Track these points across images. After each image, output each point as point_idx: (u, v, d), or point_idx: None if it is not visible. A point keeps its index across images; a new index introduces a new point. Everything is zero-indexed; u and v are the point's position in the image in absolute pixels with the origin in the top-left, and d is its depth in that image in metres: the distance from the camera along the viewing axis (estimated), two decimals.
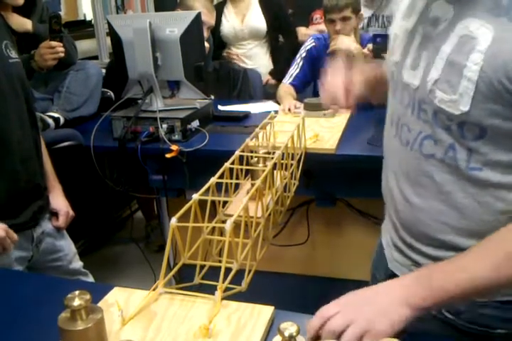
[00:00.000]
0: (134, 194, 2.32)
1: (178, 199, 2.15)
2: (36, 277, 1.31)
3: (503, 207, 0.85)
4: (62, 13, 4.22)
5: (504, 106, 0.77)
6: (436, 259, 0.91)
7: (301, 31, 3.23)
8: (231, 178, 1.27)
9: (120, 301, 0.95)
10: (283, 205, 1.39)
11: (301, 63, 2.54)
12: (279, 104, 2.45)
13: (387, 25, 3.04)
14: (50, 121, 2.20)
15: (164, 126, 1.99)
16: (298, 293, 2.17)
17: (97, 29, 3.82)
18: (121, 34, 2.07)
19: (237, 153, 1.34)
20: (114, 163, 2.16)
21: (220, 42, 3.21)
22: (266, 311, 0.92)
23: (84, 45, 3.71)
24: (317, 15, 3.27)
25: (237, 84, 2.91)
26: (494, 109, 0.77)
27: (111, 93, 2.54)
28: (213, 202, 1.16)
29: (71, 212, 1.60)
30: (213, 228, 1.13)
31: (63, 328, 0.79)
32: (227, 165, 1.25)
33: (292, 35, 3.24)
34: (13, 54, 1.40)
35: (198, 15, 2.06)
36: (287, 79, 2.54)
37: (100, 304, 0.94)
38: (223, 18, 3.18)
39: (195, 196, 1.05)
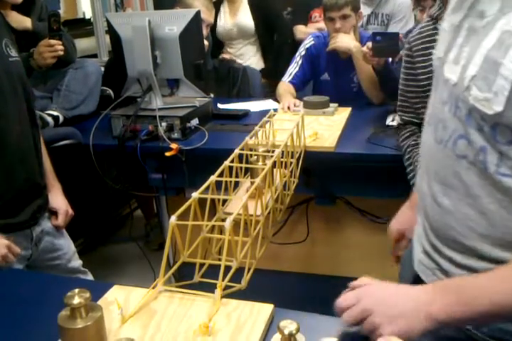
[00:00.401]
0: (133, 192, 2.32)
1: (177, 198, 2.15)
2: (36, 275, 1.31)
3: None
4: (61, 11, 4.22)
5: None
6: (460, 265, 0.90)
7: (301, 29, 3.23)
8: (231, 176, 1.27)
9: (120, 299, 0.95)
10: (282, 203, 1.40)
11: (300, 61, 2.54)
12: (278, 102, 2.45)
13: (387, 23, 3.04)
14: (50, 119, 2.20)
15: (164, 124, 1.99)
16: (297, 291, 2.18)
17: (96, 27, 3.82)
18: (120, 32, 2.07)
19: (237, 151, 1.34)
20: (114, 162, 2.15)
21: (217, 41, 3.22)
22: (265, 309, 0.93)
23: (83, 44, 3.72)
24: (316, 14, 3.26)
25: (236, 82, 2.91)
26: None
27: (110, 91, 2.54)
28: (213, 201, 1.16)
29: (70, 211, 1.60)
30: (213, 226, 1.13)
31: (63, 326, 0.79)
32: (226, 163, 1.25)
33: (286, 33, 3.25)
34: (13, 52, 1.39)
35: (198, 14, 2.05)
36: (286, 78, 2.54)
37: (100, 302, 0.94)
38: (218, 17, 3.20)
39: (195, 194, 1.05)
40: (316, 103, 2.25)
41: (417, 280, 1.02)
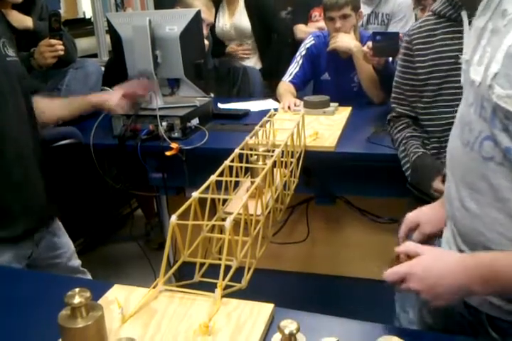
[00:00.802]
0: (133, 192, 2.32)
1: (177, 197, 2.15)
2: (36, 275, 1.31)
3: None
4: (61, 11, 4.22)
5: None
6: None
7: (301, 29, 3.23)
8: (231, 176, 1.27)
9: (120, 299, 0.95)
10: (283, 203, 1.40)
11: (300, 61, 2.54)
12: (278, 101, 2.45)
13: (387, 22, 3.04)
14: None
15: (164, 123, 1.99)
16: (298, 290, 2.18)
17: (97, 27, 3.82)
18: (120, 32, 2.07)
19: (237, 151, 1.34)
20: (114, 161, 2.15)
21: (217, 40, 3.22)
22: (266, 309, 0.93)
23: (83, 43, 3.71)
24: (316, 13, 3.26)
25: (236, 81, 2.91)
26: None
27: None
28: (213, 200, 1.16)
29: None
30: (213, 226, 1.13)
31: (63, 326, 0.80)
32: (226, 163, 1.25)
33: (285, 33, 3.25)
34: (11, 52, 1.39)
35: (198, 13, 2.06)
36: (287, 77, 2.54)
37: (100, 301, 0.94)
38: (217, 18, 3.20)
39: (195, 194, 1.05)
40: (317, 102, 2.25)
41: None
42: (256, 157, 1.44)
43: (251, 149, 1.45)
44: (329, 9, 2.39)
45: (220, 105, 2.50)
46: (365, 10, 2.87)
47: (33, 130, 1.47)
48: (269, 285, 1.80)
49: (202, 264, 1.05)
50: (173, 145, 1.92)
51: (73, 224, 1.62)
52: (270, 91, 2.89)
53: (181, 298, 0.97)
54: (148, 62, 1.99)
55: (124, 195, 2.84)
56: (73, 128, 2.16)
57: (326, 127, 2.04)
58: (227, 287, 0.97)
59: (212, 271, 1.02)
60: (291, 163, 1.49)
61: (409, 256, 0.92)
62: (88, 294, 0.80)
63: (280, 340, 0.81)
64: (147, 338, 0.87)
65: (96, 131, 2.06)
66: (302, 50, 2.55)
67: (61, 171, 1.65)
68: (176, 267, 1.04)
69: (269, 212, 1.24)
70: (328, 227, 2.18)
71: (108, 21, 2.13)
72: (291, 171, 1.49)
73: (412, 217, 1.13)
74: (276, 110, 2.15)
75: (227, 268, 0.99)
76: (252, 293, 1.00)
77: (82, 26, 4.15)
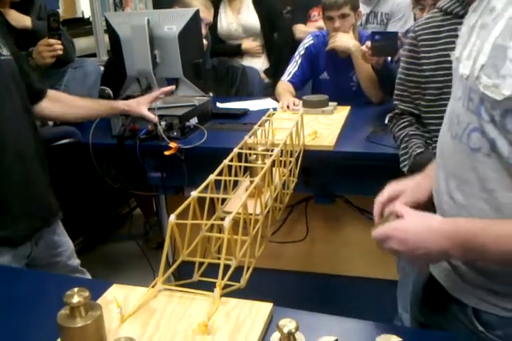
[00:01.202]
0: (132, 191, 2.32)
1: (176, 197, 2.15)
2: (35, 274, 1.31)
3: None
4: (60, 10, 4.20)
5: None
6: (472, 264, 0.91)
7: (300, 29, 3.23)
8: (230, 175, 1.27)
9: (119, 298, 0.95)
10: (282, 202, 1.40)
11: (299, 61, 2.54)
12: (277, 101, 2.45)
13: (386, 22, 3.04)
14: None
15: (163, 123, 1.99)
16: (297, 289, 2.18)
17: (95, 27, 3.82)
18: (119, 31, 2.07)
19: (236, 150, 1.34)
20: (113, 161, 2.16)
21: (217, 39, 3.21)
22: (265, 308, 0.93)
23: (82, 43, 3.71)
24: (315, 13, 3.26)
25: (235, 81, 2.91)
26: None
27: (109, 90, 2.54)
28: (212, 200, 1.16)
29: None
30: (212, 225, 1.13)
31: (62, 325, 0.80)
32: (225, 162, 1.25)
33: (286, 33, 3.24)
34: (5, 51, 1.38)
35: (197, 13, 2.06)
36: (286, 77, 2.54)
37: (99, 301, 0.94)
38: (219, 17, 3.18)
39: (194, 193, 1.05)
40: (316, 102, 2.25)
41: (431, 280, 1.03)
42: (255, 156, 1.44)
43: (250, 148, 1.45)
44: (328, 9, 2.39)
45: (219, 104, 2.50)
46: (364, 9, 2.87)
47: (32, 129, 1.47)
48: (268, 285, 1.80)
49: (201, 263, 1.05)
50: (172, 144, 1.92)
51: (72, 223, 1.62)
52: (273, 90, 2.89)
53: (180, 297, 0.97)
54: (146, 62, 1.99)
55: (122, 195, 2.84)
56: (72, 127, 2.16)
57: (325, 126, 2.05)
58: (226, 286, 0.97)
59: (212, 270, 1.02)
60: (290, 162, 1.49)
61: (398, 216, 0.94)
62: (87, 293, 0.80)
63: (279, 339, 0.81)
64: (146, 337, 0.87)
65: (95, 131, 2.06)
66: (301, 50, 2.55)
67: (60, 171, 1.65)
68: (174, 266, 1.04)
69: (268, 212, 1.24)
70: (327, 226, 2.18)
71: (106, 21, 2.13)
72: (290, 170, 1.49)
73: (392, 186, 1.12)
74: (275, 109, 2.15)
75: (226, 267, 0.99)
76: (251, 292, 1.00)
77: (81, 26, 4.15)
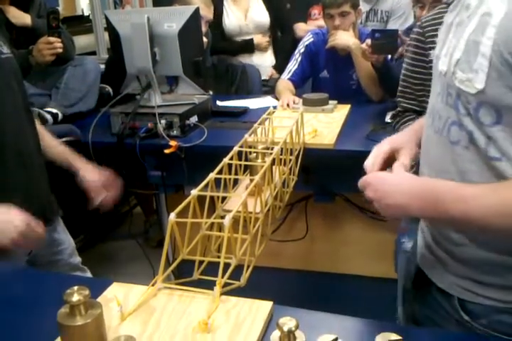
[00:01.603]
0: (132, 190, 2.32)
1: (176, 195, 2.15)
2: (35, 272, 1.31)
3: None
4: (59, 8, 4.21)
5: None
6: (453, 252, 0.93)
7: (301, 27, 3.22)
8: (230, 174, 1.27)
9: (119, 296, 0.95)
10: (282, 201, 1.40)
11: (299, 59, 2.54)
12: (277, 99, 2.45)
13: (386, 20, 3.04)
14: (49, 116, 2.20)
15: (163, 121, 1.99)
16: (297, 287, 2.18)
17: (95, 24, 3.81)
18: (119, 29, 2.06)
19: (236, 148, 1.34)
20: (113, 159, 2.15)
21: (222, 36, 3.19)
22: (265, 306, 0.93)
23: (82, 41, 3.70)
24: (315, 11, 3.26)
25: (235, 79, 2.91)
26: (510, 86, 0.77)
27: (109, 88, 2.54)
28: (212, 198, 1.16)
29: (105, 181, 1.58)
30: (212, 223, 1.13)
31: (62, 323, 0.79)
32: (225, 160, 1.25)
33: (290, 30, 3.24)
34: (5, 49, 1.38)
35: (197, 11, 2.05)
36: (286, 75, 2.54)
37: (99, 299, 0.94)
38: (224, 13, 3.17)
39: (194, 191, 1.05)
40: (315, 100, 2.25)
41: (419, 273, 1.03)
42: (255, 154, 1.43)
43: (250, 147, 1.45)
44: (328, 7, 2.38)
45: (219, 103, 2.50)
46: (364, 7, 2.87)
47: (32, 127, 1.47)
48: (268, 283, 1.80)
49: (201, 262, 1.05)
50: (172, 143, 1.92)
51: (72, 221, 1.62)
52: None
53: (180, 295, 0.97)
54: (146, 60, 1.99)
55: (122, 193, 2.83)
56: (72, 126, 2.16)
57: (325, 125, 2.04)
58: (226, 284, 0.97)
59: (212, 268, 1.02)
60: (290, 160, 1.49)
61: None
62: (87, 292, 0.80)
63: (279, 337, 0.81)
64: (146, 336, 0.87)
65: (94, 129, 2.05)
66: (301, 48, 2.55)
67: (59, 169, 1.64)
68: (174, 265, 1.04)
69: (268, 210, 1.24)
70: (327, 225, 2.18)
71: (106, 18, 2.13)
72: (290, 169, 1.49)
73: (387, 143, 1.12)
74: (275, 108, 2.15)
75: (226, 265, 0.99)
76: (251, 290, 1.00)
77: (81, 24, 4.15)
